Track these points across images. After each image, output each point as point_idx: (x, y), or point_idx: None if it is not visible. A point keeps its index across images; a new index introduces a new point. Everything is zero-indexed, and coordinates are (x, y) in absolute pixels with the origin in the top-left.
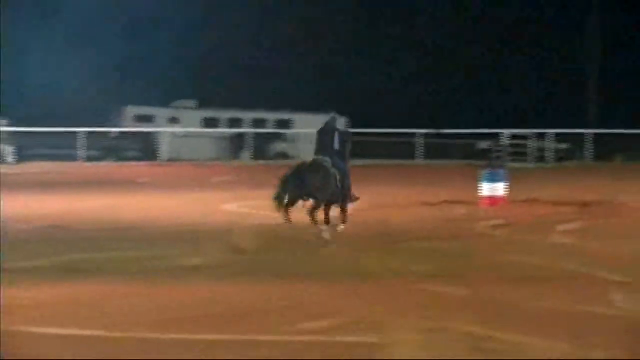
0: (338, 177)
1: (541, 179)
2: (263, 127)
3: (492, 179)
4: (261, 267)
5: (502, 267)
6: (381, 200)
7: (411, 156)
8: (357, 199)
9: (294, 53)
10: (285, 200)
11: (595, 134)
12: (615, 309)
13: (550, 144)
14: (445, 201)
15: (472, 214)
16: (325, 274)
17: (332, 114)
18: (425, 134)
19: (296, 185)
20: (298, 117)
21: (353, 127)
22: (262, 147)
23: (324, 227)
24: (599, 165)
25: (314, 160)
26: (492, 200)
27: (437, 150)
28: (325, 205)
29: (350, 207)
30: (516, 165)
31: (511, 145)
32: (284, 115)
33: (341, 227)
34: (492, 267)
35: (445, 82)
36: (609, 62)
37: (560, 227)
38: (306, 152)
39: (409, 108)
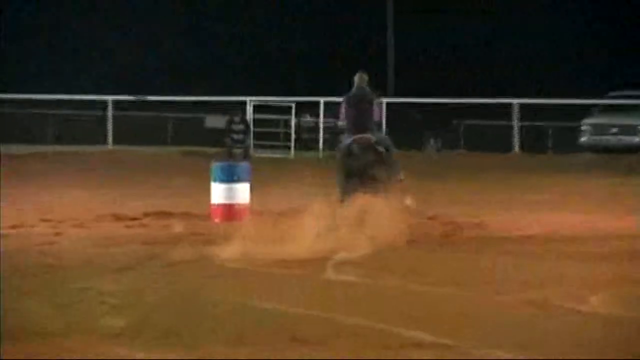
0: (385, 152)
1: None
2: None
3: (229, 177)
4: None
5: (224, 320)
6: (49, 211)
7: (101, 140)
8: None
9: None
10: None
11: (395, 104)
12: None
13: (320, 122)
14: (153, 213)
15: (197, 233)
16: None
17: (360, 72)
18: (118, 105)
19: (354, 178)
20: None
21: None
22: None
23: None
24: (399, 155)
25: (359, 139)
26: (230, 210)
27: (142, 129)
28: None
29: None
30: (268, 154)
31: (259, 122)
32: None
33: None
34: (216, 320)
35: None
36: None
37: (338, 257)
38: None
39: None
